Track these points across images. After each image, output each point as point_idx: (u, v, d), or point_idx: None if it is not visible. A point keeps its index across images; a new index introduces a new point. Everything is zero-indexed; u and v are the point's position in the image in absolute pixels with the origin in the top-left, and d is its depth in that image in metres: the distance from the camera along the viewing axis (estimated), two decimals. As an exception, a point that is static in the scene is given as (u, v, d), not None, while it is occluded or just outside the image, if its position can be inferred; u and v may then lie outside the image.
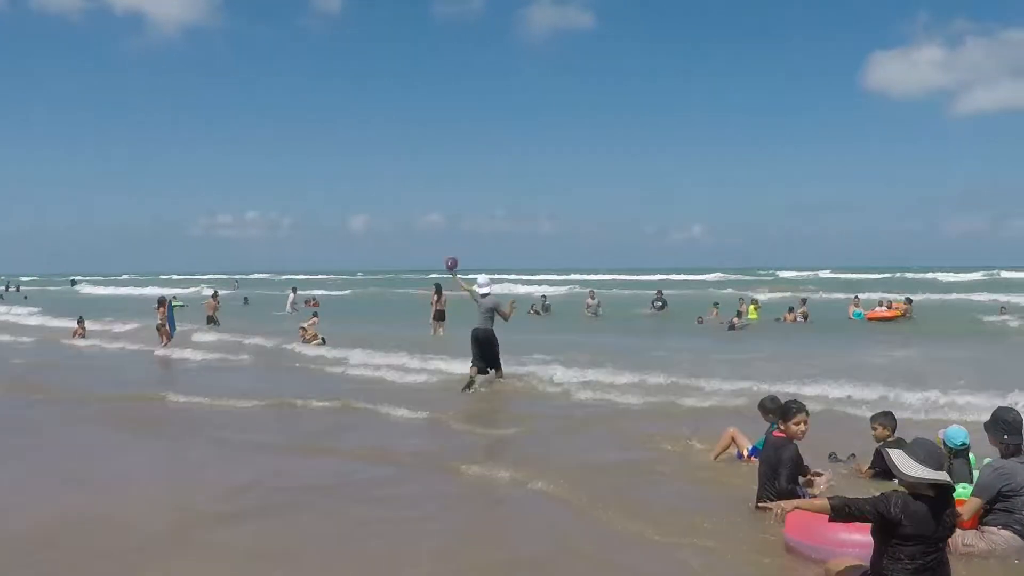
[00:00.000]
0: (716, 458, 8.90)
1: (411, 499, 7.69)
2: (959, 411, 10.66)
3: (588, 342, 20.77)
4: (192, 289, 65.26)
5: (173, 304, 23.69)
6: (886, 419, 8.13)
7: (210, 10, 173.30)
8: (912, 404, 11.22)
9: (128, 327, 27.25)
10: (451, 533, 6.71)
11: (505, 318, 14.49)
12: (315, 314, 29.50)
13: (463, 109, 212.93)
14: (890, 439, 7.97)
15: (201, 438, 10.58)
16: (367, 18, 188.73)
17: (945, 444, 7.13)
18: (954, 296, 42.36)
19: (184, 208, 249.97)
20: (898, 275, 75.32)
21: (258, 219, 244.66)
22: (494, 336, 14.39)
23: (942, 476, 4.78)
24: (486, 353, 14.32)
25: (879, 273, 79.01)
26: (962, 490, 6.30)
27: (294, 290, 38.99)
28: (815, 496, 6.76)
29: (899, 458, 4.90)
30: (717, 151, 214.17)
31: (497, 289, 18.15)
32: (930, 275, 71.36)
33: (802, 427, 6.89)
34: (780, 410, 7.08)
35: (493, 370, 14.51)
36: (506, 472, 8.35)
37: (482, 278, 15.11)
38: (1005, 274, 70.23)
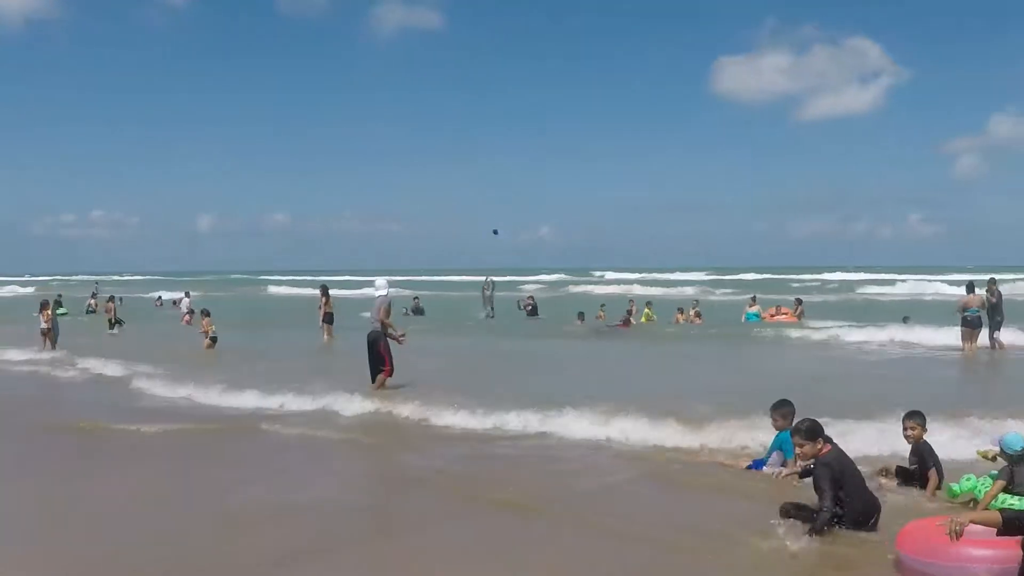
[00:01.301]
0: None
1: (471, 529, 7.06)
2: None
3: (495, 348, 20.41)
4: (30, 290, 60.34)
5: (59, 313, 21.80)
6: (921, 419, 8.06)
7: (53, 1, 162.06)
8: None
9: None
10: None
11: (385, 325, 14.05)
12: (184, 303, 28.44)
13: (311, 107, 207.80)
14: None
15: (173, 464, 9.52)
16: (210, 12, 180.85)
17: (1004, 451, 7.13)
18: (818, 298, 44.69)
19: (24, 207, 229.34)
20: (746, 276, 78.91)
21: (103, 218, 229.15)
22: (382, 338, 14.03)
23: None
24: (372, 355, 14.04)
25: (730, 274, 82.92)
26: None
27: (187, 294, 36.06)
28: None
29: None
30: (565, 152, 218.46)
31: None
32: (780, 276, 75.21)
33: None
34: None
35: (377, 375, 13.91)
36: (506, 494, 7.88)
37: (379, 280, 15.00)
38: (848, 275, 74.50)
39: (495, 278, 35.89)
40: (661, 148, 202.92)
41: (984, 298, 18.78)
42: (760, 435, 9.40)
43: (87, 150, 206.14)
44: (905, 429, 8.10)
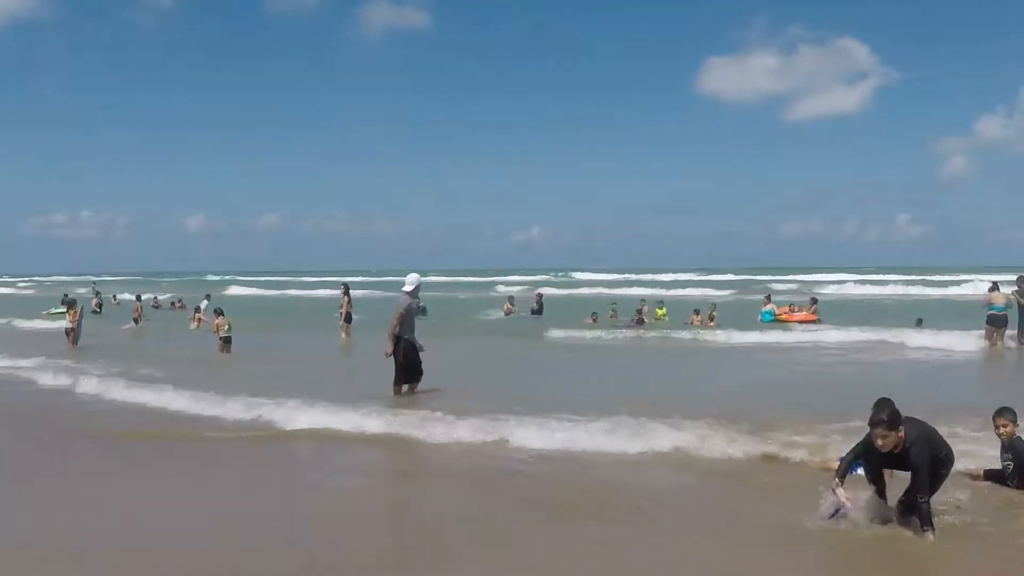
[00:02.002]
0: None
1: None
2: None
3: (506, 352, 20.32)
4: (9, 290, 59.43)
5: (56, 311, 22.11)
6: (1012, 415, 8.01)
7: (39, 1, 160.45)
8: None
9: None
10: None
11: (391, 328, 12.89)
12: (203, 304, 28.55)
13: (302, 108, 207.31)
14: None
15: (185, 471, 9.20)
16: (198, 12, 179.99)
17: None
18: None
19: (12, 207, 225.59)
20: (729, 276, 79.34)
21: (92, 218, 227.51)
22: (402, 343, 12.85)
23: None
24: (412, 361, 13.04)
25: (717, 274, 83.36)
26: None
27: (208, 297, 34.41)
28: None
29: None
30: (554, 153, 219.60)
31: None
32: (766, 277, 75.52)
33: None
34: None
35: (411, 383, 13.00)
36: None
37: (410, 276, 13.23)
38: (842, 276, 74.47)
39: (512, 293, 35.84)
40: (649, 148, 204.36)
41: (1010, 296, 19.08)
42: (819, 439, 9.38)
43: (75, 151, 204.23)
44: (997, 427, 8.02)
